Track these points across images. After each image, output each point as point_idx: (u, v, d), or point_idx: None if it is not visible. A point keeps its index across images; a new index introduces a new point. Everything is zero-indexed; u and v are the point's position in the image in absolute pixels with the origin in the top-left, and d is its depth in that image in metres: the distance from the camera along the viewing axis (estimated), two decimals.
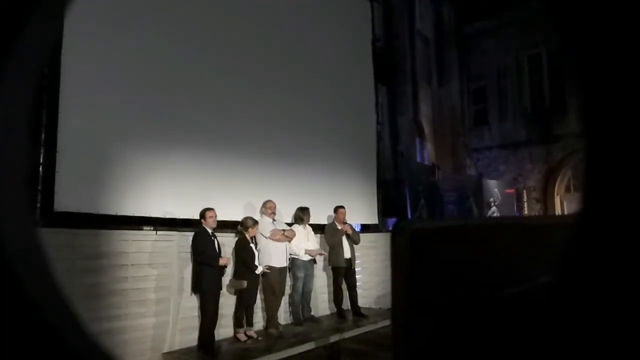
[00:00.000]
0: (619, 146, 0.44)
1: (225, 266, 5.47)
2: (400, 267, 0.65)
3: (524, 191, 13.19)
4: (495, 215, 11.04)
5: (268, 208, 6.26)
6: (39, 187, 4.51)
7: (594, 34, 0.46)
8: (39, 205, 4.47)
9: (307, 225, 6.71)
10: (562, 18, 0.49)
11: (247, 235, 5.82)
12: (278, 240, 6.15)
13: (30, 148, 4.47)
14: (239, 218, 5.98)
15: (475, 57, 13.88)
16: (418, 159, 11.55)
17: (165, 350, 5.20)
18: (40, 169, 4.53)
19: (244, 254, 5.76)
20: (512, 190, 12.59)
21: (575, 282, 0.48)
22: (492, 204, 11.55)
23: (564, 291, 0.50)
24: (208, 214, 5.41)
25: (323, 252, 6.87)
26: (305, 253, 6.56)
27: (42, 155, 4.57)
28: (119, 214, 5.01)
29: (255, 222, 5.93)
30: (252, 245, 5.87)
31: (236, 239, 5.92)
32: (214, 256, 5.32)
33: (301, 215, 6.68)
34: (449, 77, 13.35)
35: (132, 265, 5.01)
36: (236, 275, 5.71)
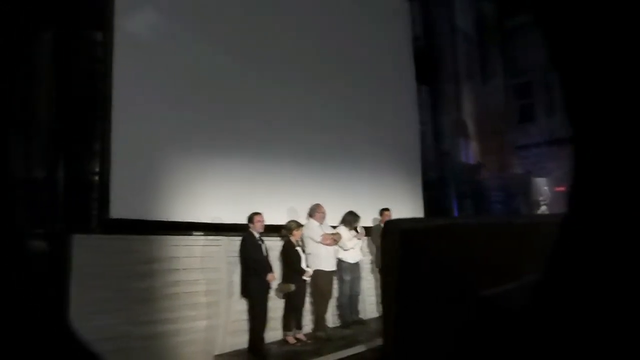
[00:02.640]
0: (608, 147, 0.45)
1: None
2: (390, 266, 0.65)
3: None
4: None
5: (320, 213, 6.27)
6: (95, 195, 4.69)
7: (580, 39, 0.46)
8: (95, 212, 4.66)
9: (354, 229, 6.68)
10: (550, 27, 0.51)
11: (292, 239, 5.86)
12: (329, 245, 6.16)
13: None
14: (284, 222, 6.03)
15: (519, 52, 13.49)
16: (463, 158, 11.31)
17: (217, 352, 5.30)
18: (96, 177, 4.72)
19: (291, 257, 5.80)
20: (563, 188, 12.15)
21: (563, 281, 0.48)
22: (542, 202, 11.17)
23: (552, 290, 0.49)
24: (256, 218, 5.49)
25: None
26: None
27: (97, 165, 4.75)
28: (170, 219, 5.15)
29: (300, 225, 5.96)
30: (298, 248, 5.90)
31: (282, 242, 5.97)
32: (262, 262, 5.38)
33: (349, 218, 6.65)
34: (493, 74, 13.02)
35: (183, 269, 5.14)
36: (284, 278, 5.75)
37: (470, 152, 11.70)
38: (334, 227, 6.57)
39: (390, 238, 0.66)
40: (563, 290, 0.48)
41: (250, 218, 5.49)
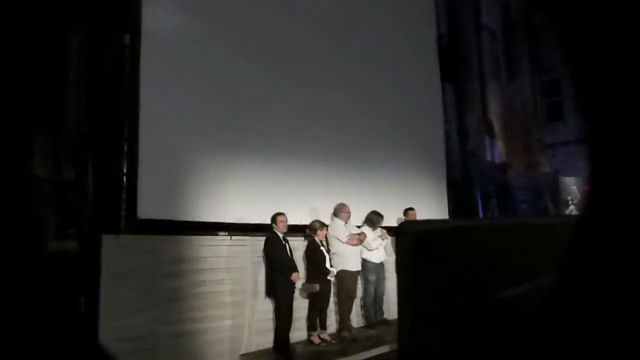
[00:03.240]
0: (625, 146, 0.43)
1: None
2: (404, 268, 0.65)
3: None
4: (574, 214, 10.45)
5: (346, 212, 6.26)
6: (123, 196, 4.78)
7: (598, 39, 0.45)
8: (123, 213, 4.74)
9: (377, 229, 6.65)
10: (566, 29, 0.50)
11: (316, 239, 5.87)
12: (355, 245, 6.16)
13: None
14: (308, 222, 6.04)
15: (546, 48, 13.23)
16: (488, 158, 11.16)
17: (243, 352, 5.34)
18: (124, 179, 4.80)
19: (315, 257, 5.81)
20: None
21: (578, 282, 0.47)
22: (570, 202, 10.94)
23: (567, 292, 0.49)
24: (279, 218, 5.51)
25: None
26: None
27: (125, 166, 4.84)
28: (196, 220, 5.21)
29: (324, 225, 5.97)
30: (322, 248, 5.91)
31: (306, 242, 5.98)
32: (287, 262, 5.41)
33: (373, 218, 6.63)
34: (519, 71, 12.81)
35: (209, 269, 5.20)
36: (308, 278, 5.76)
37: (496, 151, 11.53)
38: (358, 227, 6.55)
39: (404, 239, 0.66)
40: (578, 292, 0.47)
41: (274, 218, 5.52)
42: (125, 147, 4.86)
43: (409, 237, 0.66)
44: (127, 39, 5.07)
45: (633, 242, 0.43)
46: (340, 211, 6.29)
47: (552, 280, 0.51)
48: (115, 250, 4.46)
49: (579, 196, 11.12)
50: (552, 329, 0.50)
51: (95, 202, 4.64)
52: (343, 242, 6.09)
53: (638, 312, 0.43)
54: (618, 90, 0.44)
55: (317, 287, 5.63)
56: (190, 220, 5.15)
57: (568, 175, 11.73)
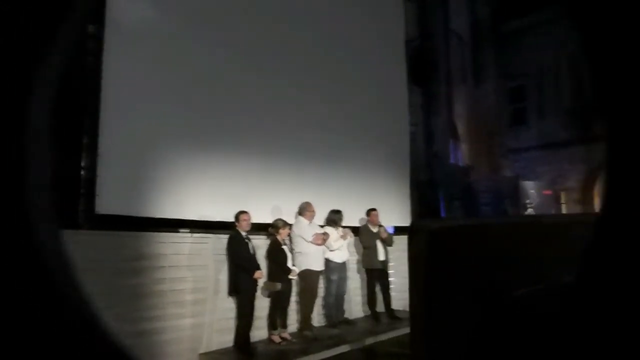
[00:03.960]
0: None
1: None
2: (419, 267, 0.65)
3: (562, 192, 12.81)
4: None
5: (311, 211, 6.26)
6: (81, 191, 4.64)
7: (615, 37, 0.45)
8: (81, 208, 4.61)
9: (339, 228, 6.69)
10: (584, 21, 0.49)
11: (278, 237, 5.85)
12: (320, 244, 6.17)
13: (56, 152, 4.61)
14: (272, 221, 6.02)
15: (512, 56, 13.56)
16: (452, 160, 11.37)
17: (203, 351, 5.28)
18: (82, 172, 4.66)
19: (278, 256, 5.79)
20: (549, 192, 12.25)
21: (597, 282, 0.47)
22: (529, 205, 11.26)
23: (585, 290, 0.49)
24: (242, 217, 5.47)
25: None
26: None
27: (83, 160, 4.70)
28: (157, 216, 5.11)
29: (286, 224, 5.96)
30: (284, 247, 5.89)
31: (268, 241, 5.96)
32: (250, 260, 5.38)
33: (335, 217, 6.67)
34: (485, 77, 13.08)
35: (170, 267, 5.11)
36: (270, 277, 5.74)
37: (460, 154, 11.76)
38: (321, 227, 6.57)
39: (418, 238, 0.65)
40: (597, 291, 0.47)
41: (237, 217, 5.48)
42: (85, 140, 4.72)
43: (423, 235, 0.65)
44: (90, 28, 4.92)
45: None
46: (305, 210, 6.29)
47: (570, 279, 0.50)
48: (72, 246, 4.30)
49: (537, 199, 11.46)
50: (572, 328, 0.50)
51: (53, 196, 4.48)
52: (308, 242, 6.09)
53: None
54: (636, 92, 0.44)
55: (278, 285, 5.62)
56: (151, 216, 5.05)
57: (528, 180, 12.06)
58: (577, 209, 12.66)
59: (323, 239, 6.24)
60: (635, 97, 0.44)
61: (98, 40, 4.87)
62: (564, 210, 12.61)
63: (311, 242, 6.10)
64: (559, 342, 0.52)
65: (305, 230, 6.16)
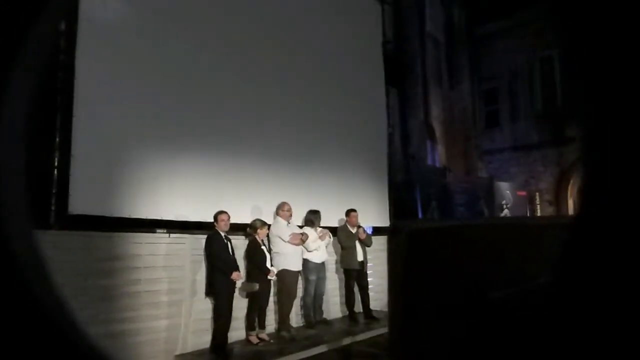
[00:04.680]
0: (620, 145, 0.44)
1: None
2: (397, 267, 0.65)
3: (537, 193, 13.07)
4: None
5: (286, 211, 6.25)
6: (54, 190, 4.54)
7: (596, 36, 0.46)
8: (53, 208, 4.51)
9: (317, 228, 6.70)
10: (567, 21, 0.50)
11: (257, 238, 5.82)
12: (298, 244, 6.15)
13: (27, 151, 4.50)
14: (250, 221, 5.98)
15: (486, 59, 13.79)
16: (429, 162, 11.49)
17: (178, 352, 5.22)
18: (55, 172, 4.56)
19: (256, 256, 5.76)
20: (524, 193, 12.48)
21: (573, 283, 0.48)
22: (504, 206, 11.44)
23: (562, 292, 0.49)
24: (220, 217, 5.43)
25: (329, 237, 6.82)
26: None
27: (56, 159, 4.60)
28: (132, 216, 5.03)
29: (264, 224, 5.93)
30: (263, 247, 5.87)
31: (247, 241, 5.92)
32: (229, 261, 5.34)
33: (312, 218, 6.67)
34: (460, 79, 13.27)
35: (145, 267, 5.04)
36: (248, 278, 5.71)
37: (437, 156, 11.89)
38: (300, 227, 6.56)
39: (397, 238, 0.65)
40: (574, 292, 0.48)
41: (215, 217, 5.43)
42: (57, 139, 4.62)
43: (402, 235, 0.65)
44: (62, 25, 4.82)
45: (627, 241, 0.44)
46: (280, 209, 6.29)
47: (547, 280, 0.51)
48: (44, 247, 4.21)
49: (512, 200, 11.65)
50: (547, 330, 0.51)
51: (26, 195, 4.38)
52: (285, 242, 6.08)
53: (633, 311, 0.44)
54: (611, 92, 0.45)
55: (256, 286, 5.59)
56: (126, 216, 4.97)
57: (502, 181, 12.26)
58: (550, 211, 12.92)
59: (301, 239, 6.24)
60: (609, 98, 0.45)
61: (70, 38, 4.77)
62: (538, 211, 12.85)
63: (288, 242, 6.09)
64: (536, 343, 0.52)
65: (282, 230, 6.14)
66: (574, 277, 0.48)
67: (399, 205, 9.30)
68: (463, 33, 13.65)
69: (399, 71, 10.49)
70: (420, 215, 10.13)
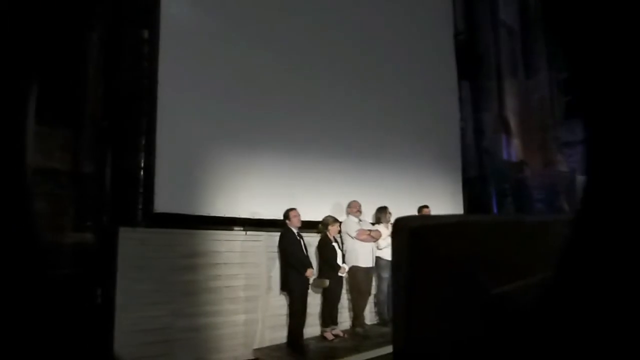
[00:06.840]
0: (620, 148, 0.44)
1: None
2: (400, 263, 0.64)
3: None
4: None
5: (353, 207, 6.28)
6: (140, 190, 4.81)
7: (594, 41, 0.46)
8: (140, 207, 4.78)
9: (389, 225, 6.65)
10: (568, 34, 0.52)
11: (328, 234, 5.87)
12: (364, 240, 6.16)
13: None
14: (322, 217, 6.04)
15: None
16: (504, 156, 11.05)
17: (256, 346, 5.37)
18: (141, 172, 4.84)
19: (327, 252, 5.81)
20: None
21: (573, 279, 0.48)
22: None
23: (562, 288, 0.49)
24: (292, 213, 5.52)
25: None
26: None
27: (142, 161, 4.87)
28: (211, 214, 5.23)
29: (336, 220, 5.97)
30: (334, 244, 5.90)
31: (319, 238, 5.99)
32: (302, 258, 5.42)
33: (379, 215, 6.65)
34: (537, 68, 12.62)
35: (224, 264, 5.22)
36: (320, 274, 5.77)
37: (512, 149, 11.41)
38: (373, 224, 6.54)
39: (400, 235, 0.66)
40: (573, 288, 0.48)
41: (286, 214, 5.54)
42: (143, 141, 4.89)
43: (404, 232, 0.66)
44: (145, 33, 5.09)
45: (627, 240, 0.44)
46: (349, 207, 6.32)
47: (547, 277, 0.51)
48: (131, 243, 4.50)
49: None
50: (547, 325, 0.50)
51: (113, 195, 4.68)
52: (352, 238, 6.10)
53: (632, 308, 0.44)
54: (614, 93, 0.45)
55: (327, 282, 5.64)
56: (206, 214, 5.18)
57: (584, 175, 11.56)
58: None
59: (369, 235, 6.22)
60: (613, 101, 0.45)
61: (152, 44, 5.03)
62: None
63: (355, 237, 6.10)
64: (538, 339, 0.51)
65: (351, 226, 6.17)
66: (575, 275, 0.48)
67: (473, 201, 9.04)
68: (538, 19, 12.97)
69: (472, 63, 10.15)
70: (495, 211, 9.79)
